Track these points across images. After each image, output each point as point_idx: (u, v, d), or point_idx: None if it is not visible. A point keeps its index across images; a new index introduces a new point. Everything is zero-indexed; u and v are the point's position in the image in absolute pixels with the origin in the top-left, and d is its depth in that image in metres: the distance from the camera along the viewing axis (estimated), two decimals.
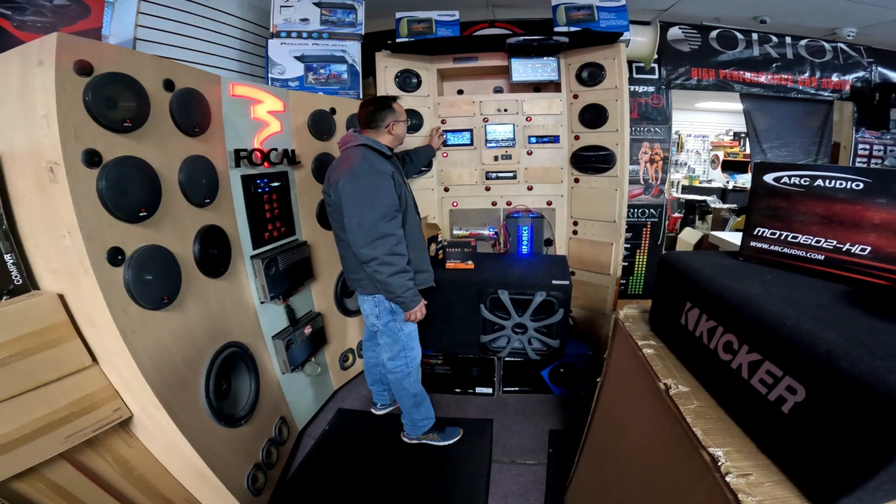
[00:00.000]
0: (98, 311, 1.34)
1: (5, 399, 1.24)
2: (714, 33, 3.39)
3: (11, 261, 1.36)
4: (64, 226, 1.27)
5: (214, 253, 1.81)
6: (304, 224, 2.48)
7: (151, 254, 1.48)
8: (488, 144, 3.01)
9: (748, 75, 3.42)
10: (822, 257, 0.93)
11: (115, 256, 1.36)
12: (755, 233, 1.04)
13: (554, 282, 2.45)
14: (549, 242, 3.11)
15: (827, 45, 3.48)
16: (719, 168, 7.72)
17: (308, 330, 2.42)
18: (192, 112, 1.70)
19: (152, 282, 1.47)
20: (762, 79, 3.42)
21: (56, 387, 1.35)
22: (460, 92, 3.17)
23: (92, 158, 1.29)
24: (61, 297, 1.38)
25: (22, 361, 1.27)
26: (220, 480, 1.68)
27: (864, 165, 3.65)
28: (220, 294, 1.86)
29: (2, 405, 1.23)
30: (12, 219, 1.37)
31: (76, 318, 1.41)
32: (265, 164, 2.11)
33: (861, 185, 0.86)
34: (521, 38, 2.69)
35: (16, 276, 1.37)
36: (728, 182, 7.27)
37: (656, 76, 3.38)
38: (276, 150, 2.16)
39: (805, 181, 0.93)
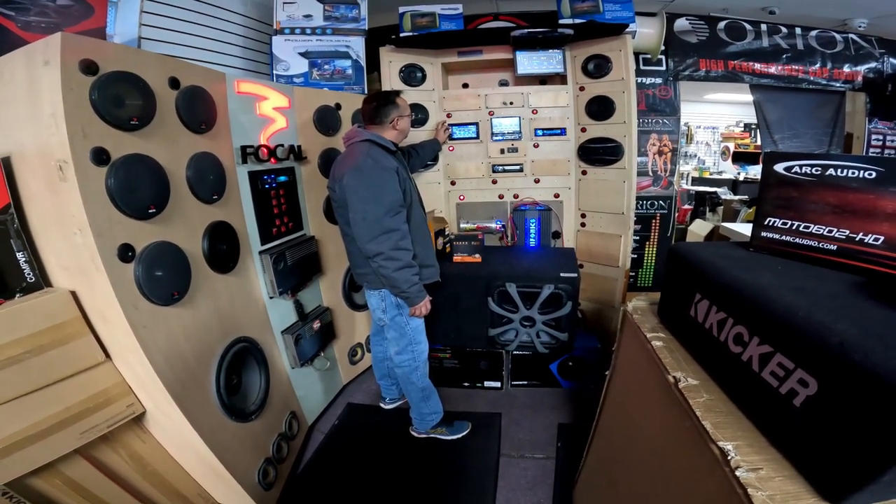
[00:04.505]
0: (110, 307, 1.36)
1: (21, 396, 1.26)
2: (722, 24, 3.33)
3: (24, 259, 1.38)
4: (74, 223, 1.28)
5: (223, 249, 1.82)
6: (312, 219, 2.49)
7: (161, 250, 1.49)
8: (494, 137, 3.00)
9: (758, 66, 3.36)
10: (834, 247, 0.92)
11: (126, 253, 1.37)
12: (766, 223, 1.03)
13: (562, 274, 2.45)
14: (557, 235, 3.10)
15: (838, 36, 3.42)
16: (730, 159, 7.64)
17: (317, 325, 2.43)
18: (199, 109, 1.71)
19: (162, 278, 1.48)
20: (772, 70, 3.37)
21: (70, 383, 1.37)
22: (465, 85, 3.15)
23: (100, 156, 1.30)
24: (73, 293, 1.39)
25: (36, 358, 1.29)
26: (231, 475, 1.69)
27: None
28: (229, 289, 1.87)
29: (17, 402, 1.25)
30: (24, 218, 1.39)
31: (88, 314, 1.42)
32: (272, 160, 2.11)
33: (874, 175, 0.84)
34: (526, 30, 2.67)
35: (28, 274, 1.39)
36: (739, 173, 7.20)
37: (664, 67, 3.33)
38: (282, 146, 2.16)
39: (817, 170, 0.92)
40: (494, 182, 3.08)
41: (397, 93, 2.09)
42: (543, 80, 3.02)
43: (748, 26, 3.34)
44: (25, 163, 1.34)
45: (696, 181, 7.01)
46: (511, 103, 2.96)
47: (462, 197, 3.14)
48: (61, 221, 1.32)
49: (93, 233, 1.28)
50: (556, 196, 3.06)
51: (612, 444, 1.49)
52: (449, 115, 3.01)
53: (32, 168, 1.33)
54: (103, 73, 1.32)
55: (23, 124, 1.30)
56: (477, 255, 2.68)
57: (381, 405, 2.73)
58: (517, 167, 3.02)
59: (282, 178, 2.23)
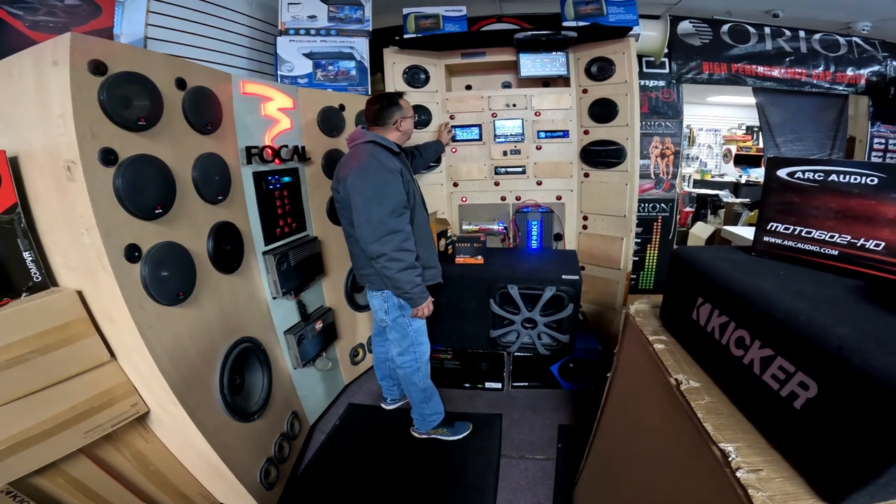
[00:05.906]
0: (116, 307, 1.36)
1: (26, 395, 1.27)
2: (725, 27, 3.34)
3: (30, 258, 1.39)
4: (82, 223, 1.29)
5: (228, 249, 1.84)
6: (315, 220, 2.50)
7: (167, 250, 1.50)
8: (497, 139, 3.00)
9: (761, 69, 3.36)
10: (835, 252, 0.93)
11: (132, 253, 1.38)
12: (768, 228, 1.04)
13: (564, 276, 2.45)
14: (559, 237, 3.10)
15: (841, 40, 3.42)
16: (732, 162, 7.64)
17: (319, 325, 2.44)
18: (205, 110, 1.72)
19: (168, 278, 1.50)
20: (775, 73, 3.36)
21: (75, 382, 1.38)
22: (468, 87, 3.16)
23: (108, 157, 1.31)
24: (80, 293, 1.40)
25: (42, 357, 1.30)
26: (233, 475, 1.70)
27: (880, 160, 3.59)
28: (233, 290, 1.88)
29: (22, 401, 1.26)
30: (31, 217, 1.40)
31: (94, 314, 1.43)
32: (276, 160, 2.12)
33: (876, 181, 0.85)
34: (530, 33, 2.68)
35: (35, 274, 1.40)
36: (741, 176, 7.21)
37: (667, 70, 3.33)
38: (286, 146, 2.18)
39: (819, 176, 0.93)
40: (497, 184, 3.09)
41: (400, 94, 2.10)
42: (546, 82, 3.03)
43: (751, 29, 3.34)
44: (33, 162, 1.35)
45: (697, 184, 7.01)
46: (514, 105, 2.96)
47: (464, 198, 3.15)
48: (69, 221, 1.33)
49: (100, 233, 1.28)
50: (559, 198, 3.07)
51: (612, 445, 1.50)
52: (452, 117, 3.03)
53: (40, 168, 1.34)
54: (112, 74, 1.32)
55: (31, 124, 1.31)
56: (479, 257, 2.69)
57: (383, 405, 2.74)
58: (519, 169, 3.03)
59: (286, 179, 2.24)
